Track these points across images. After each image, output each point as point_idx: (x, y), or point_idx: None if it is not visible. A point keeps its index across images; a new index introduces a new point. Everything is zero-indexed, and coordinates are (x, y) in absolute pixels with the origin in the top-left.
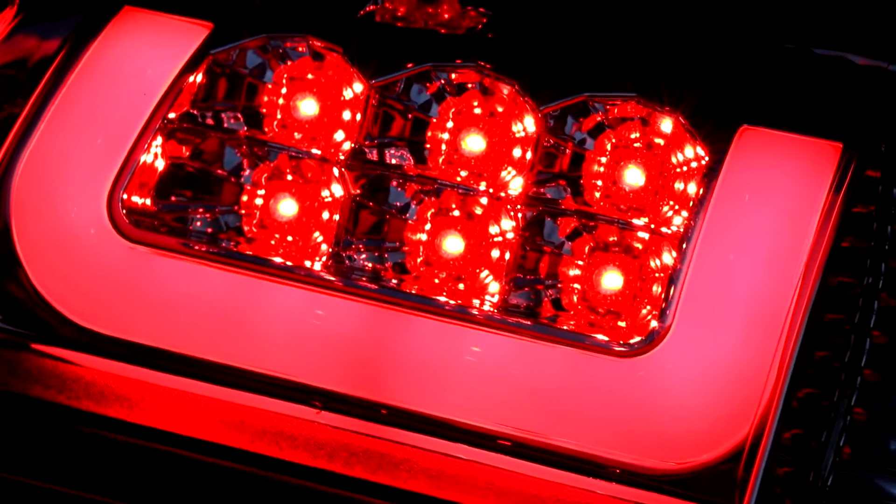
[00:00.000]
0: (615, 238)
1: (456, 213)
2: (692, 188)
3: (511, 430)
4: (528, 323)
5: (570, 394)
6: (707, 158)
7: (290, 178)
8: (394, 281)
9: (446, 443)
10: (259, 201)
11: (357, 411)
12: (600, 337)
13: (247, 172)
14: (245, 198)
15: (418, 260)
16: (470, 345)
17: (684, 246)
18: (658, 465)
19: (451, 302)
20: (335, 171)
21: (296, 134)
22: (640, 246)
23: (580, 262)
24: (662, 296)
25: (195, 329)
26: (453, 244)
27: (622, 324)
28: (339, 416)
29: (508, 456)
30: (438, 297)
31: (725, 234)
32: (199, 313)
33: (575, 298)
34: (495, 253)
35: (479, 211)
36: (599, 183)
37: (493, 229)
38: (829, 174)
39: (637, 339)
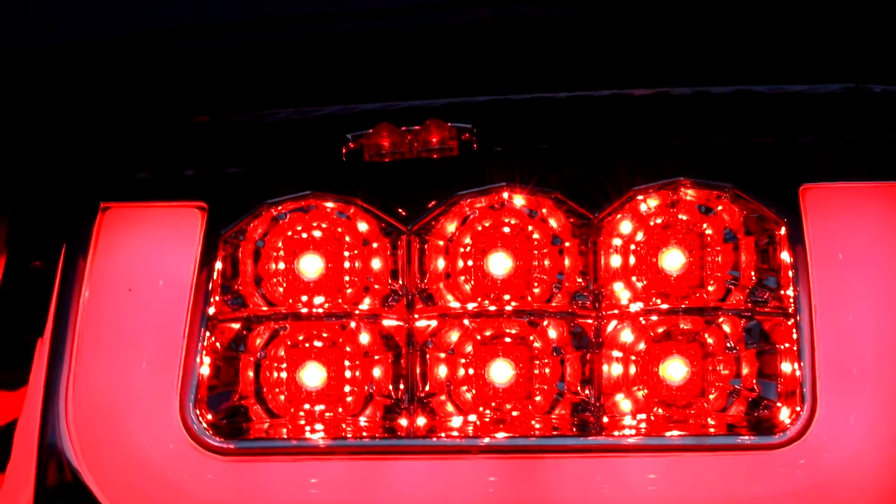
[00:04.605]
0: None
1: (507, 340)
2: (782, 258)
3: None
4: (664, 436)
5: (738, 498)
6: (785, 229)
7: (357, 339)
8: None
9: None
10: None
11: None
12: (746, 433)
13: (299, 346)
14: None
15: (468, 394)
16: (611, 475)
17: (798, 319)
18: None
19: (600, 437)
20: (405, 326)
21: (302, 296)
22: (763, 330)
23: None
24: (798, 375)
25: None
26: (503, 372)
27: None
28: None
29: None
30: (569, 434)
31: (837, 299)
32: None
33: (641, 395)
34: (626, 372)
35: (552, 334)
36: (675, 272)
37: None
38: None
39: (785, 427)
